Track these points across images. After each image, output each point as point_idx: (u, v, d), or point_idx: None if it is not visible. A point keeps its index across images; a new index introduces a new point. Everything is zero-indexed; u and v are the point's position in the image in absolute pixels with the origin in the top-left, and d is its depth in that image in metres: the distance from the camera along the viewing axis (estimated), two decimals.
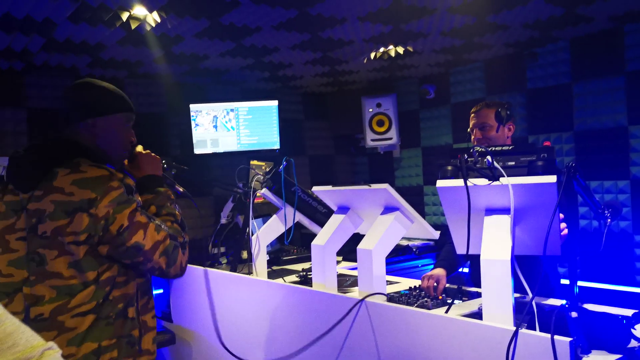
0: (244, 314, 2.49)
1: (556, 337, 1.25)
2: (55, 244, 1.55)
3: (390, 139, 4.62)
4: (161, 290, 3.62)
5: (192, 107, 4.18)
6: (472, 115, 2.68)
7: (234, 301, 2.59)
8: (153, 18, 2.63)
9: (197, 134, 4.20)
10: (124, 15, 2.57)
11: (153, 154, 1.91)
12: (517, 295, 1.78)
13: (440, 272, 2.39)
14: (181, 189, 2.07)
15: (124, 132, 1.80)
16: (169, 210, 1.77)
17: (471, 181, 1.52)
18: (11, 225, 1.62)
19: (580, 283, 1.62)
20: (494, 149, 1.54)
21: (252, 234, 2.77)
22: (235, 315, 2.57)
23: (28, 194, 1.60)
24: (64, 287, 1.56)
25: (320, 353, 1.97)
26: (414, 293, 2.21)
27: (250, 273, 2.75)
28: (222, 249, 3.71)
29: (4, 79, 3.59)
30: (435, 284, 2.30)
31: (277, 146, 4.42)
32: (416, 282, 2.53)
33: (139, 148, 1.91)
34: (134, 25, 2.66)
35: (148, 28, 2.74)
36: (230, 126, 4.30)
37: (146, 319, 1.74)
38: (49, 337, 1.49)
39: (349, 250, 3.03)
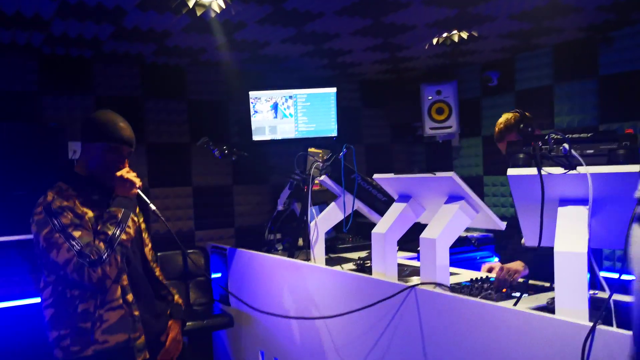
0: (302, 299, 2.50)
1: None
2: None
3: (450, 127, 4.50)
4: (219, 274, 3.70)
5: (251, 94, 4.21)
6: (498, 144, 2.64)
7: (291, 287, 2.61)
8: (218, 4, 2.65)
9: (255, 121, 4.24)
10: (191, 2, 2.60)
11: (126, 177, 2.10)
12: (591, 292, 1.70)
13: (520, 265, 2.30)
14: (153, 207, 2.21)
15: (105, 158, 2.08)
16: (104, 228, 1.98)
17: (545, 169, 1.45)
18: None
19: None
20: (571, 136, 1.46)
21: (310, 221, 2.77)
22: (292, 300, 2.59)
23: None
24: (42, 284, 2.06)
25: (382, 341, 1.95)
26: (475, 285, 2.15)
27: (308, 260, 2.76)
28: (278, 236, 3.74)
29: (74, 67, 3.73)
30: (509, 278, 2.20)
31: (334, 134, 4.40)
32: (476, 274, 2.46)
33: (122, 172, 2.12)
34: (199, 12, 2.69)
35: (212, 15, 2.76)
36: (288, 113, 4.31)
37: (102, 312, 1.97)
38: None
39: (405, 240, 2.99)
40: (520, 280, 2.22)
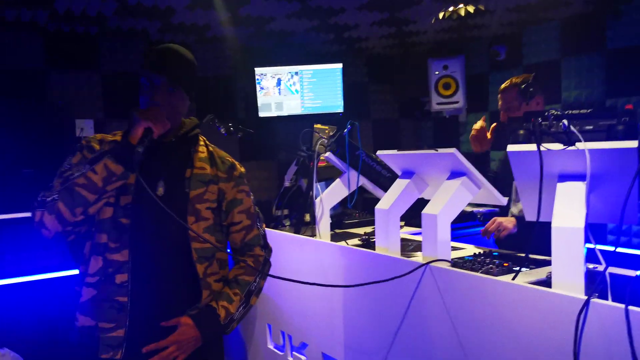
0: (307, 274, 2.55)
1: (630, 307, 1.20)
2: None
3: (457, 102, 4.49)
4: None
5: (257, 70, 4.21)
6: (499, 95, 2.73)
7: (297, 262, 2.65)
8: None
9: (261, 97, 4.25)
10: None
11: (136, 115, 1.66)
12: (590, 265, 1.72)
13: (511, 222, 2.47)
14: (139, 150, 1.64)
15: (141, 90, 1.77)
16: (71, 171, 1.65)
17: (545, 146, 1.46)
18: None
19: None
20: (570, 112, 1.47)
21: (316, 197, 2.80)
22: (298, 275, 2.63)
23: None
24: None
25: (386, 315, 1.99)
26: (478, 259, 2.17)
27: (313, 235, 2.79)
28: (286, 212, 3.78)
29: (80, 44, 3.74)
30: (497, 233, 2.44)
31: (340, 110, 4.40)
32: (480, 249, 2.49)
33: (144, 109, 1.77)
34: None
35: None
36: (294, 89, 4.31)
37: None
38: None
39: (412, 215, 3.01)
40: (522, 254, 2.24)
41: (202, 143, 1.90)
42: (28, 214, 1.68)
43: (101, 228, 1.68)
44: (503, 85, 2.74)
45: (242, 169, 1.94)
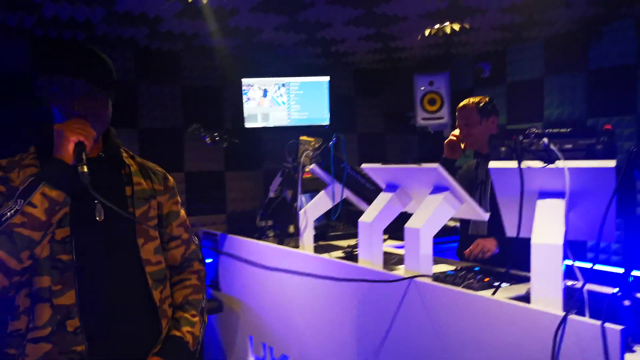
0: (290, 285, 2.55)
1: (607, 324, 1.22)
2: None
3: (442, 118, 4.53)
4: (210, 260, 3.74)
5: (244, 81, 4.22)
6: (457, 113, 2.94)
7: (281, 273, 2.65)
8: None
9: (248, 108, 4.25)
10: None
11: (62, 129, 1.41)
12: (569, 282, 1.75)
13: (493, 243, 2.59)
14: (82, 169, 1.39)
15: (56, 100, 1.49)
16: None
17: (525, 163, 1.49)
18: None
19: (635, 272, 1.57)
20: (551, 130, 1.50)
21: (300, 209, 2.80)
22: (282, 286, 2.63)
23: None
24: None
25: (367, 327, 2.00)
26: (459, 274, 2.19)
27: (297, 247, 2.80)
28: (270, 222, 3.77)
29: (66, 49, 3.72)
30: (480, 255, 2.54)
31: (327, 122, 4.42)
32: (461, 264, 2.51)
33: (66, 123, 1.45)
34: None
35: (204, 1, 2.77)
36: (281, 101, 4.33)
37: (21, 342, 1.41)
38: None
39: (395, 229, 3.02)
40: (502, 270, 2.26)
41: (126, 155, 1.68)
42: None
43: (40, 270, 1.41)
44: (463, 103, 2.92)
45: (172, 179, 1.78)
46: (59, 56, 1.50)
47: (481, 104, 2.85)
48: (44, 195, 1.35)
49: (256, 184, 4.51)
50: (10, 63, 3.54)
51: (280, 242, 3.08)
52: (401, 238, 3.39)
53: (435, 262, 2.45)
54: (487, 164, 2.79)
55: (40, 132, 1.48)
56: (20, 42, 3.56)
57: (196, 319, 1.69)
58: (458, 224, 4.07)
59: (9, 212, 1.33)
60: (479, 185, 2.85)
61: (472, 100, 2.89)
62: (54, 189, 1.36)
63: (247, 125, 4.26)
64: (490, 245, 2.60)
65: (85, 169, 1.38)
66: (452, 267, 2.37)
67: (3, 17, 3.10)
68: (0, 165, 1.44)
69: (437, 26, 3.50)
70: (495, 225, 2.30)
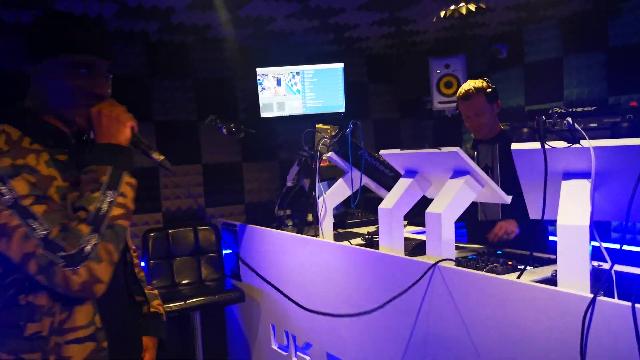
0: (311, 274, 2.55)
1: (637, 305, 1.20)
2: None
3: None
4: (229, 250, 3.76)
5: (259, 70, 4.21)
6: (462, 103, 2.79)
7: (301, 262, 2.65)
8: None
9: (263, 98, 4.24)
10: None
11: (115, 112, 1.35)
12: (595, 263, 1.72)
13: (512, 222, 2.60)
14: (160, 158, 1.41)
15: (75, 82, 1.35)
16: (83, 202, 1.24)
17: (549, 144, 1.46)
18: None
19: None
20: (574, 110, 1.46)
21: (318, 197, 2.80)
22: (302, 276, 2.63)
23: None
24: None
25: (389, 314, 1.99)
26: (482, 258, 2.17)
27: (316, 235, 2.79)
28: (288, 212, 3.78)
29: None
30: (505, 236, 2.56)
31: (342, 109, 4.40)
32: (483, 248, 2.49)
33: (103, 105, 1.36)
34: None
35: None
36: (296, 89, 4.31)
37: (60, 342, 1.28)
38: None
39: (415, 214, 3.01)
40: (526, 253, 2.24)
41: None
42: None
43: None
44: (465, 91, 2.74)
45: None
46: (87, 35, 1.36)
47: (488, 90, 2.71)
48: (128, 184, 1.31)
49: (273, 173, 4.51)
50: (18, 61, 3.56)
51: (299, 231, 3.08)
52: (420, 224, 3.40)
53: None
54: (491, 149, 2.78)
55: (6, 109, 1.34)
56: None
57: (155, 291, 1.72)
58: None
59: (103, 205, 1.25)
60: (483, 171, 2.81)
61: (473, 86, 2.73)
62: (132, 177, 1.33)
63: (263, 115, 4.25)
64: (513, 227, 2.60)
65: (163, 157, 1.40)
66: (472, 252, 2.35)
67: (18, 15, 3.11)
68: (11, 153, 1.25)
69: (452, 7, 3.44)
70: (510, 208, 2.29)
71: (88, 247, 1.20)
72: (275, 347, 2.98)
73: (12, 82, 3.53)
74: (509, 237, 2.57)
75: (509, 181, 2.50)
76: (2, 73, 3.41)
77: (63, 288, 1.19)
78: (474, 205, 2.76)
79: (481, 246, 2.47)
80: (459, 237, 3.88)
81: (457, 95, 2.82)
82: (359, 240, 2.83)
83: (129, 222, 1.32)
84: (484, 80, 2.77)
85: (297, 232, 3.02)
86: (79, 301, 1.30)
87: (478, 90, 2.72)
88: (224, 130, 3.17)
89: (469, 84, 2.77)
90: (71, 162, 1.36)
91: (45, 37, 1.32)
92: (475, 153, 2.91)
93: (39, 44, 1.33)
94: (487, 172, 2.79)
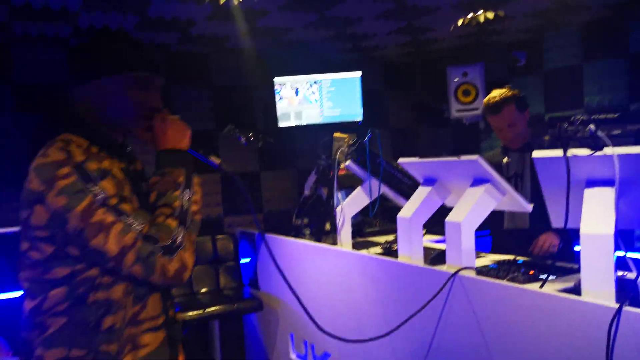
0: (329, 283, 2.54)
1: None
2: (25, 236, 1.36)
3: (477, 109, 4.45)
4: (248, 259, 3.76)
5: (276, 80, 4.23)
6: (491, 117, 2.68)
7: (319, 271, 2.64)
8: None
9: (281, 107, 4.26)
10: None
11: (174, 118, 1.51)
12: (620, 273, 1.69)
13: (555, 237, 2.51)
14: (218, 161, 1.61)
15: (136, 95, 1.46)
16: (166, 199, 1.38)
17: (571, 151, 1.44)
18: None
19: None
20: (597, 116, 1.44)
21: (336, 206, 2.79)
22: (320, 285, 2.62)
23: None
24: (35, 282, 1.35)
25: (412, 326, 1.97)
26: (502, 267, 2.14)
27: (334, 244, 2.79)
28: (306, 221, 3.77)
29: None
30: (551, 249, 2.47)
31: (359, 118, 4.40)
32: (503, 257, 2.46)
33: (165, 115, 1.52)
34: (221, 0, 2.72)
35: (235, 2, 2.79)
36: (313, 98, 4.32)
37: (135, 333, 1.39)
38: (28, 336, 1.37)
39: (433, 223, 2.99)
40: (548, 262, 2.21)
41: None
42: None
43: None
44: (493, 104, 2.62)
45: None
46: (146, 53, 1.50)
47: (519, 99, 2.61)
48: (198, 184, 1.49)
49: (291, 182, 4.52)
50: (47, 73, 3.63)
51: (317, 240, 3.08)
52: (438, 232, 3.37)
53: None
54: (522, 157, 2.72)
55: (68, 122, 1.45)
56: (59, 53, 3.65)
57: None
58: None
59: (182, 202, 1.39)
60: (511, 179, 2.74)
61: (499, 96, 2.62)
62: (197, 177, 1.49)
63: (281, 124, 4.27)
64: (554, 240, 2.53)
65: (220, 160, 1.60)
66: (491, 262, 2.32)
67: (41, 29, 3.18)
68: (88, 163, 1.34)
69: (470, 15, 3.44)
70: (539, 217, 2.22)
71: (179, 239, 1.34)
72: (293, 356, 2.97)
73: (42, 92, 3.62)
74: (553, 251, 2.50)
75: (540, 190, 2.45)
76: (40, 85, 3.50)
77: (159, 276, 1.31)
78: (499, 213, 2.66)
79: (505, 256, 2.43)
80: (481, 247, 3.84)
81: (484, 107, 2.71)
82: (377, 249, 2.82)
83: (200, 217, 1.48)
84: (510, 88, 2.66)
85: (314, 241, 3.02)
86: (151, 293, 1.42)
87: (507, 100, 2.61)
88: (242, 139, 3.19)
89: (496, 95, 2.65)
90: (128, 169, 1.48)
91: (109, 55, 1.43)
92: (506, 159, 2.80)
93: (102, 61, 1.43)
94: (516, 180, 2.73)
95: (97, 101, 1.44)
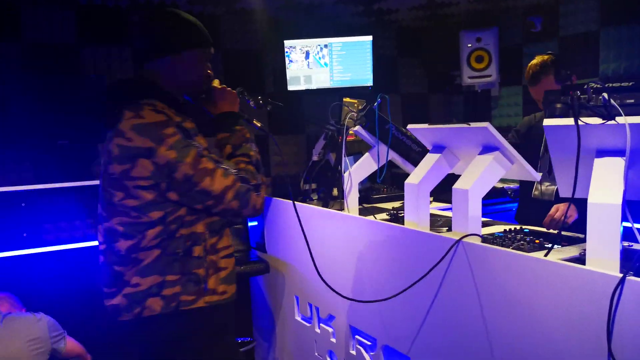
0: (336, 248, 2.56)
1: None
2: (121, 186, 1.59)
3: (490, 76, 4.39)
4: (255, 223, 3.79)
5: (286, 43, 4.18)
6: (531, 89, 2.56)
7: (326, 236, 2.66)
8: None
9: (290, 71, 4.22)
10: None
11: (229, 89, 1.86)
12: (626, 243, 1.68)
13: (573, 208, 2.33)
14: (259, 124, 1.96)
15: (202, 68, 1.76)
16: (243, 150, 1.75)
17: (583, 120, 1.42)
18: (102, 161, 1.70)
19: None
20: (611, 85, 1.41)
21: (344, 172, 2.79)
22: (327, 249, 2.65)
23: (108, 133, 1.67)
24: (131, 225, 1.60)
25: (414, 289, 1.99)
26: (508, 236, 2.15)
27: (341, 210, 2.80)
28: (314, 186, 3.78)
29: (111, 18, 3.76)
30: (563, 220, 2.25)
31: (370, 83, 4.35)
32: (510, 226, 2.46)
33: (215, 82, 1.87)
34: None
35: None
36: (323, 62, 4.27)
37: (214, 259, 1.71)
38: (123, 269, 1.63)
39: (441, 191, 2.99)
40: (554, 231, 2.20)
41: None
42: (63, 184, 1.70)
43: None
44: (531, 75, 2.51)
45: None
46: (201, 28, 1.77)
47: (558, 69, 2.47)
48: None
49: (299, 147, 4.51)
50: (58, 34, 3.61)
51: (325, 205, 3.09)
52: (445, 200, 3.37)
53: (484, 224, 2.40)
54: None
55: (150, 90, 1.68)
56: (67, 12, 3.61)
57: None
58: (508, 186, 3.99)
59: (251, 153, 1.77)
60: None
61: (538, 64, 2.48)
62: None
63: (290, 88, 4.23)
64: (571, 211, 2.33)
65: (260, 123, 2.04)
66: (499, 229, 2.33)
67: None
68: (184, 123, 1.63)
69: None
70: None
71: (260, 179, 1.71)
72: (298, 318, 3.02)
73: (60, 54, 3.62)
74: (567, 222, 2.31)
75: None
76: (50, 45, 3.48)
77: (251, 208, 1.67)
78: (531, 182, 2.57)
79: (514, 226, 2.42)
80: (506, 212, 3.83)
81: (525, 77, 2.60)
82: (384, 216, 2.83)
83: None
84: (551, 55, 2.52)
85: (322, 206, 3.03)
86: (224, 228, 1.76)
87: (546, 70, 2.50)
88: (251, 103, 3.16)
89: (536, 63, 2.54)
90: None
91: (188, 32, 1.71)
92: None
93: (183, 37, 1.69)
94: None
95: (174, 71, 1.69)
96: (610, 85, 1.42)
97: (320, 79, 4.28)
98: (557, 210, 2.37)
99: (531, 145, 2.67)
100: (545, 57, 2.56)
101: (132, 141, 1.55)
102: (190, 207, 1.63)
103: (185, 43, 1.70)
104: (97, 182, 1.72)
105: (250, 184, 1.66)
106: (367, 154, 2.76)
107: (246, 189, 1.65)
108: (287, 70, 4.21)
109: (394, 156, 2.67)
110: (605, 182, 1.40)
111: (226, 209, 1.64)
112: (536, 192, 2.70)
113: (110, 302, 1.67)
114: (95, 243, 1.74)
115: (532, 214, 2.57)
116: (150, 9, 1.57)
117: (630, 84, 1.41)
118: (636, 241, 1.46)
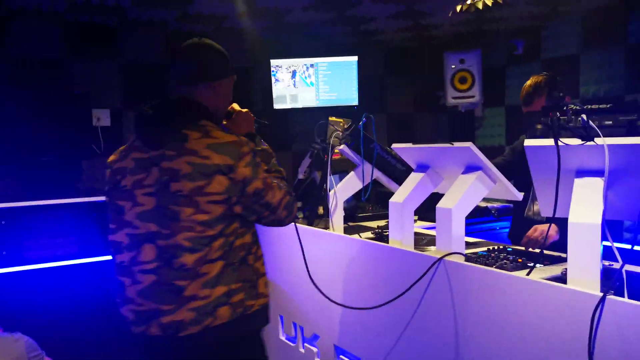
0: (320, 266, 2.55)
1: None
2: (192, 202, 1.64)
3: (473, 97, 4.45)
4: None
5: (273, 62, 4.21)
6: (525, 107, 2.56)
7: (311, 254, 2.66)
8: None
9: (276, 89, 4.25)
10: None
11: (246, 110, 2.02)
12: (606, 263, 1.70)
13: (553, 229, 2.31)
14: (265, 146, 2.06)
15: (231, 93, 1.94)
16: (275, 167, 1.95)
17: (563, 141, 1.45)
18: (140, 180, 1.70)
19: None
20: (590, 107, 1.45)
21: (330, 190, 2.80)
22: (312, 267, 2.64)
23: (158, 151, 1.69)
24: (198, 239, 1.65)
25: (397, 308, 1.99)
26: (492, 255, 2.16)
27: (326, 228, 2.80)
28: (299, 204, 3.78)
29: (99, 34, 3.77)
30: (541, 240, 2.23)
31: (355, 102, 4.39)
32: (494, 245, 2.48)
33: (236, 106, 2.02)
34: None
35: None
36: (309, 82, 4.30)
37: (258, 266, 1.84)
38: (186, 284, 1.68)
39: (425, 209, 3.00)
40: (536, 250, 2.22)
41: None
42: (46, 201, 1.66)
43: None
44: (524, 95, 2.53)
45: None
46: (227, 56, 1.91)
47: (551, 90, 2.48)
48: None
49: (285, 165, 4.51)
50: (44, 48, 3.60)
51: (310, 224, 3.09)
52: (430, 219, 3.38)
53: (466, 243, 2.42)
54: None
55: (203, 111, 1.80)
56: (54, 27, 3.61)
57: None
58: (492, 205, 4.02)
59: (280, 168, 1.98)
60: None
61: (532, 85, 2.49)
62: None
63: (276, 106, 4.25)
64: (551, 231, 2.31)
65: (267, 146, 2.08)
66: (483, 248, 2.34)
67: (37, 3, 3.14)
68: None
69: (469, 1, 3.42)
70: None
71: (293, 193, 1.86)
72: (283, 337, 2.99)
73: (46, 69, 3.59)
74: (544, 243, 2.25)
75: None
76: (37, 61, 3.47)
77: (291, 216, 1.86)
78: (525, 200, 2.54)
79: (498, 245, 2.44)
80: (489, 231, 3.84)
81: (520, 98, 2.62)
82: (369, 234, 2.83)
83: None
84: (545, 76, 2.54)
85: (307, 225, 3.03)
86: (257, 237, 1.88)
87: (539, 92, 2.50)
88: None
89: (529, 84, 2.55)
90: None
91: (226, 61, 1.88)
92: None
93: (223, 66, 1.87)
94: None
95: (214, 96, 1.85)
96: (589, 107, 1.45)
97: (306, 97, 4.31)
98: (535, 231, 2.35)
99: (527, 163, 2.68)
100: (539, 78, 2.58)
101: (209, 159, 1.65)
102: (243, 219, 1.75)
103: (224, 71, 1.88)
104: (80, 199, 1.69)
105: (291, 195, 1.84)
106: (352, 173, 2.77)
107: (292, 200, 1.84)
108: (274, 89, 4.23)
109: (378, 175, 2.69)
110: (585, 202, 1.43)
111: (276, 219, 1.82)
112: (529, 213, 2.71)
113: (168, 318, 1.68)
114: (76, 261, 1.73)
115: (523, 234, 2.56)
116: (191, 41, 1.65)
117: (609, 105, 1.44)
118: (616, 260, 1.48)
